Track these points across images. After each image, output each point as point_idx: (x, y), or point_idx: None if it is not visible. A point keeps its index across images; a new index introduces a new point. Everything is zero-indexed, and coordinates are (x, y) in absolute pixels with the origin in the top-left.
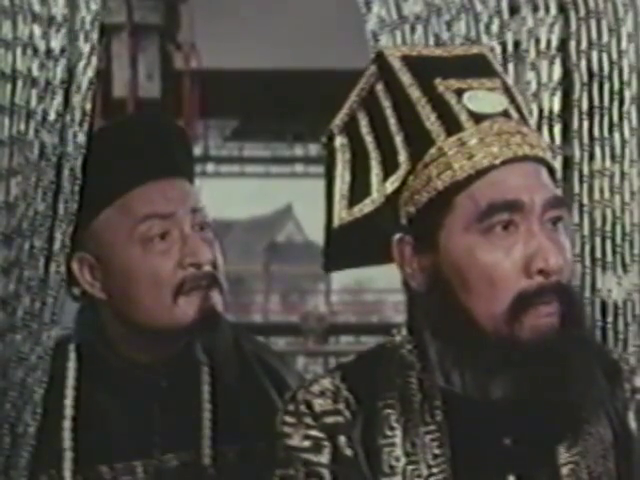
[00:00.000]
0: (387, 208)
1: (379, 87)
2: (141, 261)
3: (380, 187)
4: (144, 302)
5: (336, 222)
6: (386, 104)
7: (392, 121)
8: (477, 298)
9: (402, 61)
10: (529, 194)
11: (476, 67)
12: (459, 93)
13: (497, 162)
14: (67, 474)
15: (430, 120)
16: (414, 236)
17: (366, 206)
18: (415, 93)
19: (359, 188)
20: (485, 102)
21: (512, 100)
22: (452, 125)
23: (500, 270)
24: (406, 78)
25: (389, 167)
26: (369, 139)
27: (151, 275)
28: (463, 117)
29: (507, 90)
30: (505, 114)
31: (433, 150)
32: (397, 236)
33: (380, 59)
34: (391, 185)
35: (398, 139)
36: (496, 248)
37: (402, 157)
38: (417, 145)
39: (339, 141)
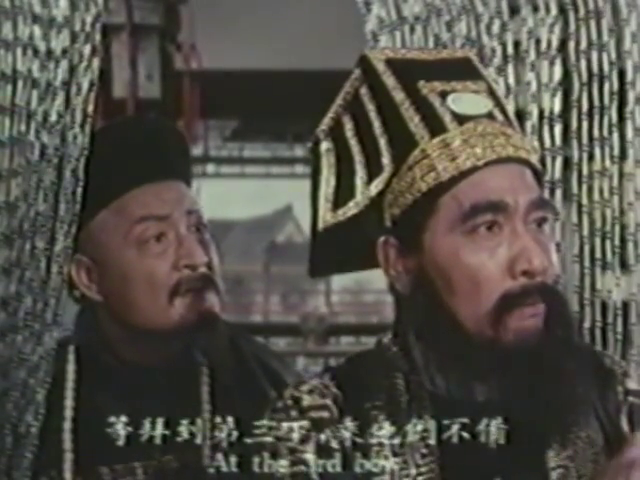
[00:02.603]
0: (371, 211)
1: (363, 91)
2: (137, 263)
3: (364, 190)
4: (140, 304)
5: (320, 225)
6: (370, 107)
7: (376, 124)
8: (461, 299)
9: (386, 64)
10: (513, 195)
11: (461, 70)
12: (443, 95)
13: (480, 163)
14: (67, 475)
15: (414, 122)
16: (398, 238)
17: (350, 209)
18: (399, 95)
19: (344, 192)
20: (469, 104)
21: (497, 103)
22: (436, 127)
23: (484, 271)
24: (390, 81)
25: (373, 170)
26: (353, 142)
27: (147, 277)
28: (447, 119)
29: (492, 93)
30: (489, 116)
31: (417, 152)
32: (381, 239)
33: (364, 62)
34: (375, 188)
35: (382, 142)
36: (480, 249)
37: (386, 159)
38: (401, 147)
39: (324, 146)
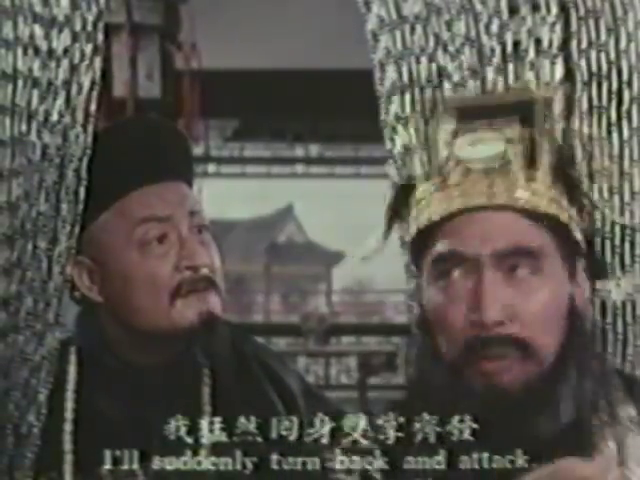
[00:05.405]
0: None
1: None
2: (138, 264)
3: None
4: (142, 305)
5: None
6: None
7: None
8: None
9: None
10: (476, 245)
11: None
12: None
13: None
14: (67, 477)
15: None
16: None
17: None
18: None
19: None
20: (478, 151)
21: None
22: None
23: (449, 314)
24: None
25: None
26: None
27: (148, 278)
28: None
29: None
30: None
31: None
32: None
33: None
34: None
35: None
36: (449, 295)
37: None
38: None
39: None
